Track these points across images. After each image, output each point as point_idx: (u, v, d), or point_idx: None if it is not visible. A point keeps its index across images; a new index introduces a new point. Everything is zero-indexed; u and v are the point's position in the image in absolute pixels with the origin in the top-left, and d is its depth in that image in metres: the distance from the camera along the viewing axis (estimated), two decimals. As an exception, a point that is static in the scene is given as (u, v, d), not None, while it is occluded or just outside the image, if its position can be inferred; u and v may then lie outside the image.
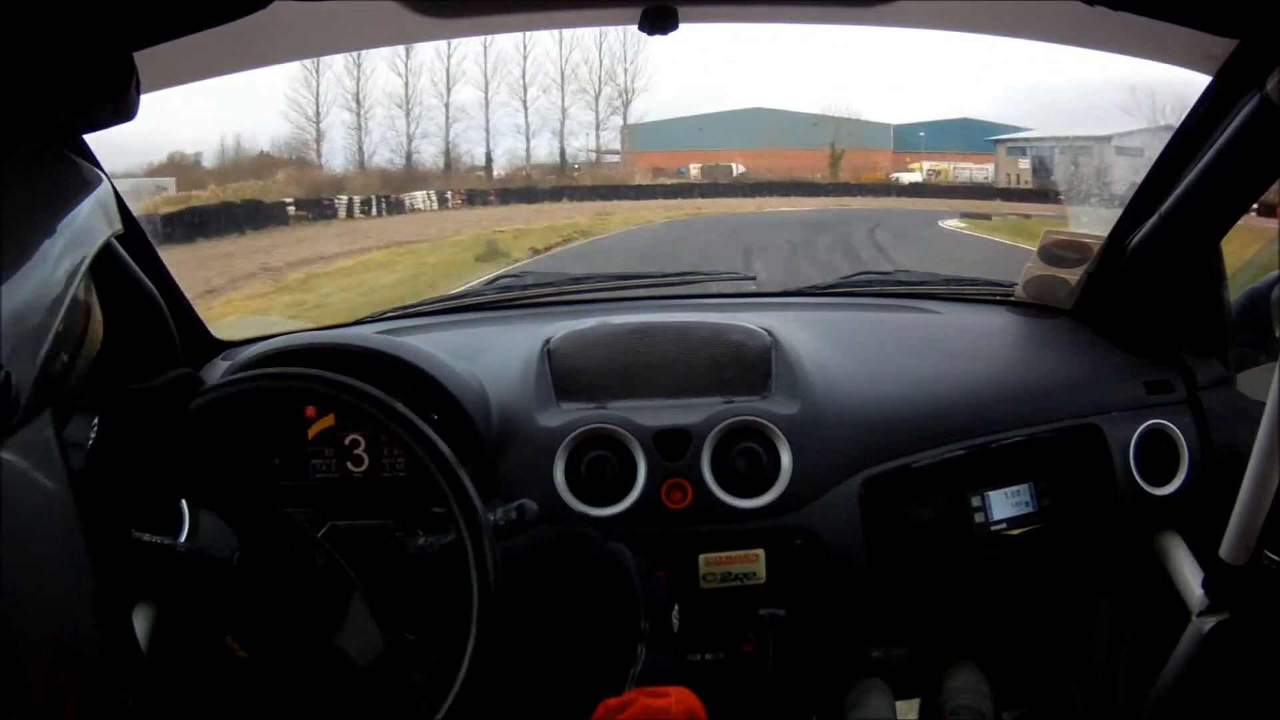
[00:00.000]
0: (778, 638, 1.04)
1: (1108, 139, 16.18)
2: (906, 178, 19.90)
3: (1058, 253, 1.33)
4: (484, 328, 1.31)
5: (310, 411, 1.03)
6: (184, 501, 1.00)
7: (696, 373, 1.11)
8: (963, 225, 14.06)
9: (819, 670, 1.12)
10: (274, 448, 1.03)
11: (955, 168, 20.10)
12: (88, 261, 0.56)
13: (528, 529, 0.83)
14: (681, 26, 0.93)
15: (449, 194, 17.29)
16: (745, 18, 1.12)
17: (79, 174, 0.58)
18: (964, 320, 1.35)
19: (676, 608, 0.91)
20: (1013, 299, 1.38)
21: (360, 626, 0.82)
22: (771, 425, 1.04)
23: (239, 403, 0.81)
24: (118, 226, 0.61)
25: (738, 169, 19.72)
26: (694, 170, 20.00)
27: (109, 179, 0.61)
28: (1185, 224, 1.09)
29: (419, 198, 16.76)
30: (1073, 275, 1.31)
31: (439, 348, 1.08)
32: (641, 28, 0.92)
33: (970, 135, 20.02)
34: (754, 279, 1.57)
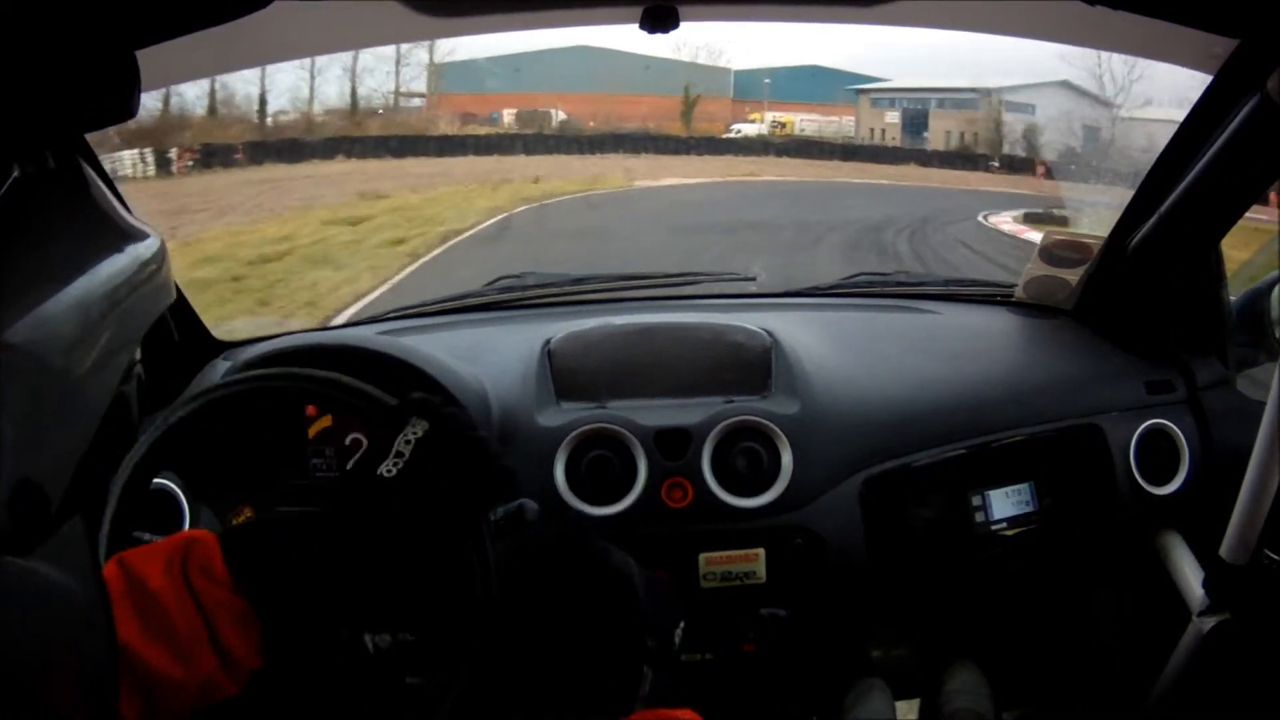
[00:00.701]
0: (778, 638, 1.04)
1: (994, 92, 15.05)
2: (748, 129, 17.44)
3: (1058, 253, 1.33)
4: (485, 328, 1.31)
5: (311, 411, 1.03)
6: (184, 501, 1.00)
7: (697, 373, 1.11)
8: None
9: (819, 670, 1.12)
10: (274, 447, 1.03)
11: (802, 119, 17.91)
12: (138, 344, 0.51)
13: (528, 529, 0.83)
14: (682, 25, 0.93)
15: (173, 154, 10.86)
16: (745, 16, 1.12)
17: (129, 235, 0.52)
18: (964, 320, 1.35)
19: (681, 625, 0.90)
20: (1013, 299, 1.38)
21: (360, 626, 0.82)
22: (772, 425, 1.04)
23: (240, 403, 0.81)
24: (170, 295, 0.56)
25: (558, 115, 16.65)
26: (508, 117, 16.64)
27: (159, 237, 0.55)
28: (1185, 224, 1.09)
29: (125, 161, 9.13)
30: (1073, 275, 1.31)
31: (440, 348, 1.08)
32: (642, 26, 0.92)
33: (821, 84, 17.89)
34: (754, 279, 1.57)
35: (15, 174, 0.45)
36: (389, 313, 1.39)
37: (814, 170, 14.91)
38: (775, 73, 18.44)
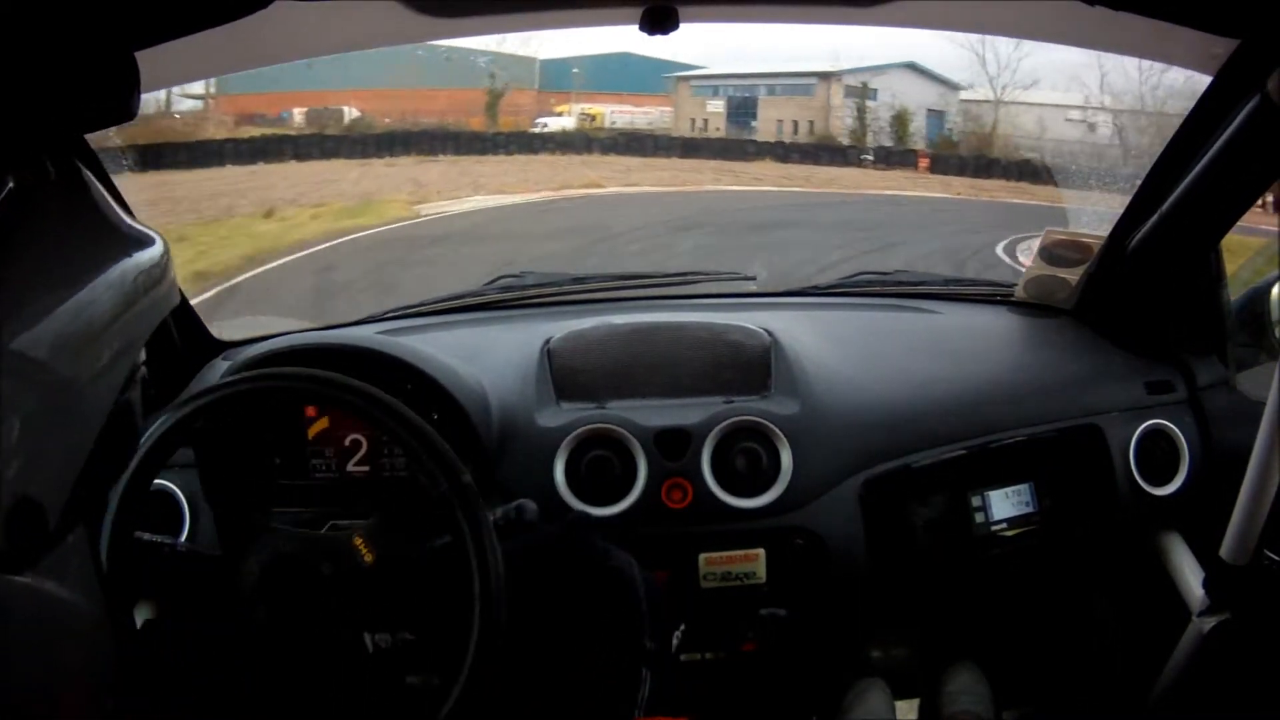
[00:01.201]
0: (778, 638, 1.04)
1: (832, 76, 13.44)
2: (556, 123, 15.50)
3: (1058, 253, 1.33)
4: (484, 328, 1.31)
5: (310, 411, 1.03)
6: (184, 502, 1.00)
7: (697, 373, 1.11)
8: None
9: (819, 670, 1.12)
10: (274, 447, 1.03)
11: (613, 111, 16.04)
12: (141, 350, 0.51)
13: (528, 529, 0.83)
14: (682, 26, 0.93)
15: None
16: (745, 17, 1.12)
17: (132, 239, 0.51)
18: (964, 320, 1.35)
19: (681, 628, 0.89)
20: (1013, 299, 1.38)
21: (360, 626, 0.82)
22: (772, 425, 1.04)
23: (240, 403, 0.81)
24: (174, 299, 0.55)
25: (351, 113, 14.85)
26: (299, 117, 14.69)
27: (163, 241, 0.54)
28: (1185, 224, 1.09)
29: None
30: (1073, 275, 1.31)
31: (439, 348, 1.08)
32: (642, 28, 0.92)
33: (633, 73, 15.83)
34: (754, 279, 1.57)
35: (10, 184, 0.44)
36: (389, 312, 1.39)
37: (667, 172, 11.60)
38: (584, 61, 16.07)
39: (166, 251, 0.54)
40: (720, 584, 1.02)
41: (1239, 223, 1.08)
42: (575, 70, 16.07)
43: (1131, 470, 1.13)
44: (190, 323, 1.17)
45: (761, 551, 1.03)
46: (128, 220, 0.53)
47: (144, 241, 0.52)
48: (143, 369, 0.54)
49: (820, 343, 1.19)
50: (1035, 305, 1.35)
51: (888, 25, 1.01)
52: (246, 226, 7.70)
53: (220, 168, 9.87)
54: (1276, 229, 1.25)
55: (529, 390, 1.08)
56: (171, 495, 1.01)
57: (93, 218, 0.51)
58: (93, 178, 0.52)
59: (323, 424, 1.03)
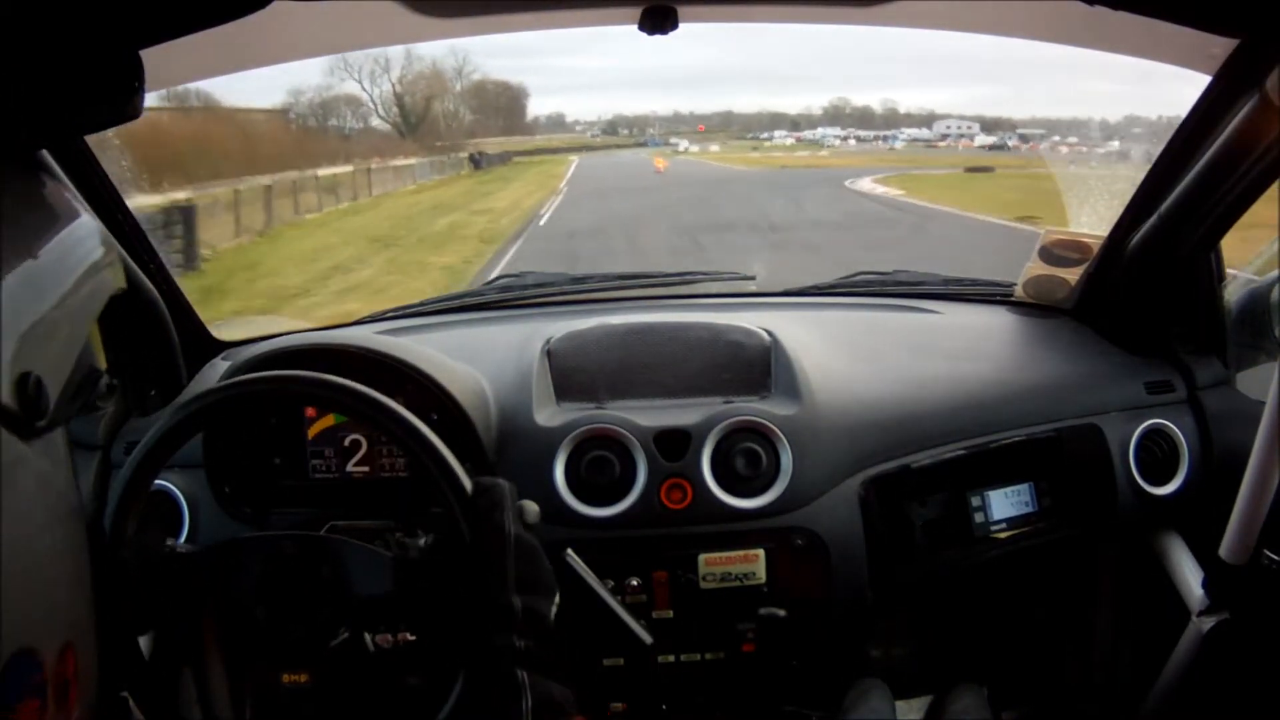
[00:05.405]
0: (778, 638, 1.04)
1: None
2: None
3: (1058, 253, 1.33)
4: (484, 328, 1.31)
5: (310, 412, 1.03)
6: (183, 502, 1.00)
7: (696, 373, 1.11)
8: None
9: (819, 670, 1.12)
10: (274, 448, 1.03)
11: None
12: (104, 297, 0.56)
13: (527, 529, 0.83)
14: (681, 26, 0.93)
15: None
16: (745, 17, 1.12)
17: (77, 231, 0.57)
18: (964, 320, 1.35)
19: (557, 599, 0.76)
20: (1013, 299, 1.38)
21: (360, 627, 0.82)
22: (771, 426, 1.04)
23: (239, 405, 0.81)
24: (118, 284, 0.61)
25: None
26: None
27: (106, 235, 0.61)
28: (1185, 224, 1.09)
29: None
30: (1073, 275, 1.31)
31: (439, 348, 1.08)
32: (641, 27, 0.92)
33: None
34: (753, 279, 1.57)
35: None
36: (388, 312, 1.39)
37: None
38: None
39: (110, 244, 0.59)
40: (720, 584, 1.02)
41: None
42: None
43: (1131, 470, 1.13)
44: (190, 323, 1.17)
45: (761, 552, 1.03)
46: (80, 213, 0.56)
47: (90, 234, 0.57)
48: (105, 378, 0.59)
49: (820, 343, 1.19)
50: (1035, 305, 1.35)
51: (888, 25, 1.01)
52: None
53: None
54: (1276, 229, 1.25)
55: (528, 390, 1.08)
56: (171, 495, 1.01)
57: (43, 210, 0.55)
58: (55, 165, 0.55)
59: (323, 424, 1.03)
